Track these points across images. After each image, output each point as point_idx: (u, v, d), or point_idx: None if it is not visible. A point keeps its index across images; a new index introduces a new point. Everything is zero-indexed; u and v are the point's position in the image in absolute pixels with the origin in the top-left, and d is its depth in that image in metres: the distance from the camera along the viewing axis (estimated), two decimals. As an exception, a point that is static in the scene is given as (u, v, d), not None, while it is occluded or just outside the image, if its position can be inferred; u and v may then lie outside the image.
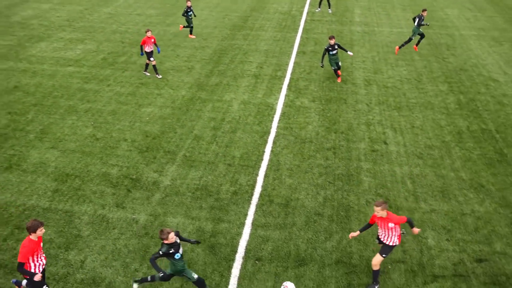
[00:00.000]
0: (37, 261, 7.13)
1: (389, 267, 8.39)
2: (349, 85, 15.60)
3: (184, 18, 19.98)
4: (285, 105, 14.28)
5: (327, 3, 23.90)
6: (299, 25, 21.85)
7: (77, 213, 9.67)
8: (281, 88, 15.41)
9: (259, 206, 9.90)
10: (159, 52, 16.39)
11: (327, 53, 15.13)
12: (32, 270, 7.04)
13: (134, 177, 10.82)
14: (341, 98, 14.70)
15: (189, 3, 19.48)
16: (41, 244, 7.21)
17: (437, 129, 12.95)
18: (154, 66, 15.95)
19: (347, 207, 9.87)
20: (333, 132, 12.78)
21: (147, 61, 15.97)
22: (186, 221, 9.45)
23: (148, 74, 16.28)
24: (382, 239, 7.86)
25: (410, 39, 17.91)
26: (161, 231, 7.04)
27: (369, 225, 8.00)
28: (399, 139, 12.45)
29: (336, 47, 14.98)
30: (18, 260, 6.83)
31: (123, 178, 10.78)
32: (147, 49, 15.62)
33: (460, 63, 17.42)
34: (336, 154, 11.77)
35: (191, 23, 19.92)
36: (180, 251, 7.24)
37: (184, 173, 10.96)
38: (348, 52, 15.49)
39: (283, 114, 13.73)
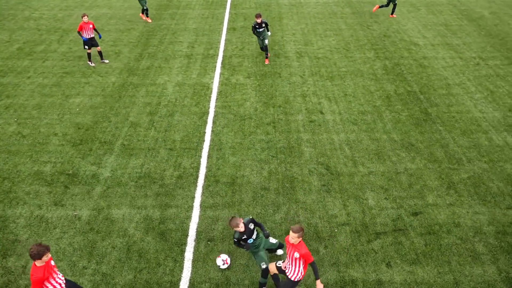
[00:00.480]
0: (56, 282, 6.51)
1: (336, 230, 8.84)
2: (282, 59, 15.79)
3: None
4: (221, 83, 14.18)
5: None
6: (226, 1, 21.55)
7: (11, 217, 9.05)
8: (215, 66, 15.25)
9: (205, 187, 9.89)
10: (100, 37, 15.36)
11: (255, 30, 15.02)
12: None
13: (70, 172, 10.29)
14: (276, 72, 14.87)
15: None
16: (51, 262, 6.47)
17: (368, 95, 13.59)
18: (89, 54, 14.88)
19: (291, 179, 10.16)
20: (271, 106, 12.96)
21: (88, 50, 14.78)
22: (132, 211, 9.22)
23: (93, 64, 15.15)
24: (285, 269, 6.92)
25: (388, 4, 19.02)
26: (230, 220, 7.08)
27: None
28: (334, 107, 12.92)
29: (263, 25, 14.84)
30: None
31: (58, 174, 10.21)
32: (85, 35, 14.50)
33: (383, 30, 18.25)
34: (276, 128, 11.99)
35: (145, 5, 18.56)
36: (254, 236, 7.39)
37: (124, 163, 10.61)
38: (268, 33, 15.25)
39: (219, 92, 13.65)
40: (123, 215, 9.12)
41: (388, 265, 8.14)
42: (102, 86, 13.93)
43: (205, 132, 11.77)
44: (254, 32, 15.08)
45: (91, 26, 14.47)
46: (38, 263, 6.27)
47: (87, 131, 11.77)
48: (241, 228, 7.22)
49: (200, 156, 10.85)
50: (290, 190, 9.82)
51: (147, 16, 18.92)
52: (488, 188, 9.89)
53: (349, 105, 13.06)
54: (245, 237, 7.31)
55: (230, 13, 20.05)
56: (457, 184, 10.01)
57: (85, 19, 14.29)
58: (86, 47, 14.69)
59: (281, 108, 12.86)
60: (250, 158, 10.81)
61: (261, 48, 15.52)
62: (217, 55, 16.07)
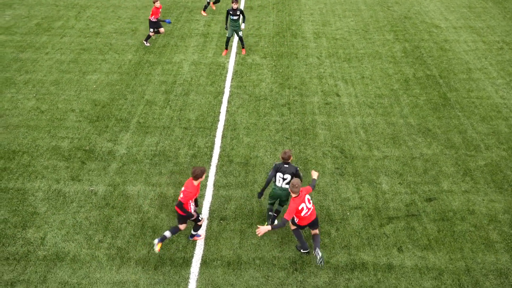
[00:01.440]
0: (194, 205, 7.71)
1: (348, 213, 8.86)
2: (299, 39, 15.59)
3: None
4: (237, 63, 14.10)
5: None
6: (244, -21, 21.21)
7: (30, 190, 9.29)
8: (231, 46, 15.13)
9: (219, 167, 9.97)
10: (169, 22, 14.64)
11: (228, 16, 13.81)
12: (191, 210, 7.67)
13: (87, 148, 10.46)
14: (292, 53, 14.70)
15: None
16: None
17: (386, 78, 13.37)
18: (149, 36, 14.80)
19: (305, 161, 10.15)
20: (286, 87, 12.87)
21: (151, 33, 14.61)
22: (147, 188, 9.37)
23: (148, 44, 15.07)
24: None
25: None
26: (285, 152, 7.89)
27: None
28: (351, 90, 12.77)
29: (238, 13, 13.61)
30: (183, 201, 7.33)
31: (75, 150, 10.39)
32: (153, 19, 14.29)
33: (404, 11, 17.80)
34: (291, 109, 11.93)
35: None
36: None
37: (140, 140, 10.73)
38: (242, 25, 14.09)
39: (235, 72, 13.59)
40: (138, 192, 9.28)
41: (400, 249, 8.16)
42: (119, 64, 13.99)
43: (219, 112, 11.78)
44: (226, 20, 13.95)
45: (160, 10, 14.44)
46: (196, 182, 7.41)
47: (104, 108, 11.89)
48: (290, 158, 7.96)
49: (215, 136, 10.90)
50: (303, 172, 9.83)
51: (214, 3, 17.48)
52: (506, 176, 9.74)
53: (366, 88, 12.88)
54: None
55: (247, -9, 19.76)
56: (474, 171, 9.88)
57: (157, 4, 14.18)
58: (152, 30, 14.54)
59: (297, 90, 12.77)
60: (264, 139, 10.81)
61: (228, 39, 14.27)
62: (234, 34, 15.92)
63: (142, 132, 11.01)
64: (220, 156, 10.27)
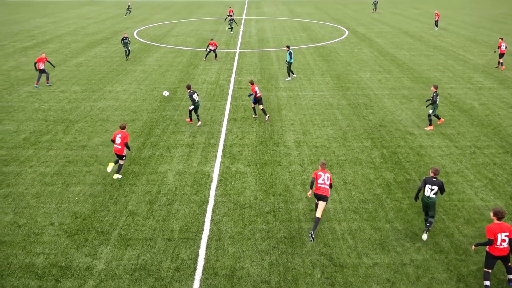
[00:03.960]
0: None
1: (342, 329, 8.20)
2: (282, 148, 16.07)
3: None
4: (221, 172, 14.25)
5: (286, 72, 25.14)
6: (227, 94, 22.58)
7: (-5, 314, 8.46)
8: (215, 155, 15.46)
9: (203, 280, 9.40)
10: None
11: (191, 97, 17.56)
12: None
13: (63, 264, 9.86)
14: (275, 161, 15.03)
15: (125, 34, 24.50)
16: None
17: (368, 183, 13.57)
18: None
19: (293, 271, 9.70)
20: (271, 195, 12.87)
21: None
22: (125, 307, 8.65)
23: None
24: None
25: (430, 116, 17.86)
26: (436, 169, 10.47)
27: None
28: (335, 196, 12.82)
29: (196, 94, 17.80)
30: None
31: (50, 267, 9.77)
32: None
33: (379, 120, 18.84)
34: (276, 217, 11.77)
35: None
36: None
37: (120, 254, 10.22)
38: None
39: (220, 181, 13.65)
40: (115, 312, 8.54)
41: None
42: (103, 175, 13.97)
43: (204, 221, 11.52)
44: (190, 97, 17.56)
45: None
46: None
47: (84, 221, 11.53)
48: None
49: (199, 247, 10.49)
50: (292, 283, 9.33)
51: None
52: (500, 282, 9.40)
53: (350, 193, 12.98)
54: None
55: (231, 104, 20.88)
56: (467, 277, 9.53)
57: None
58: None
59: (281, 197, 12.76)
60: (250, 248, 10.44)
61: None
62: (218, 144, 16.39)
63: (123, 245, 10.54)
64: (204, 269, 9.75)
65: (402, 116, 19.38)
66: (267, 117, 18.55)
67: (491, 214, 8.90)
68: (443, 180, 13.57)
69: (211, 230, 11.17)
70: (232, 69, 27.71)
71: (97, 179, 13.70)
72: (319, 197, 10.86)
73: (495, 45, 34.89)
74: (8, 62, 29.78)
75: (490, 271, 8.93)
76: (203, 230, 11.14)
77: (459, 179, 13.77)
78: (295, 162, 14.97)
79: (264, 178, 13.86)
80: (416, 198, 10.87)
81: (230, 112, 19.87)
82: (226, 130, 17.77)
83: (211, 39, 30.43)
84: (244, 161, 15.04)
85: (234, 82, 24.78)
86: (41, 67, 23.24)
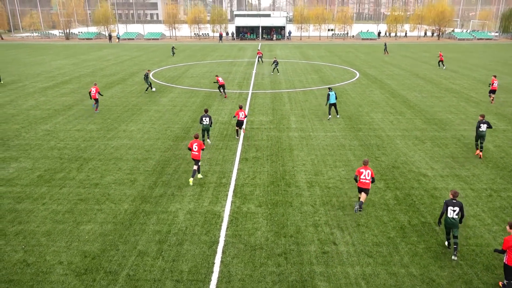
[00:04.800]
0: None
1: None
2: (293, 188, 15.94)
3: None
4: (232, 212, 14.11)
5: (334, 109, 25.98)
6: (239, 133, 22.72)
7: None
8: (227, 195, 15.37)
9: (211, 325, 9.09)
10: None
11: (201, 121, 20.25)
12: None
13: (69, 305, 9.66)
14: (287, 201, 14.86)
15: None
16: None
17: (381, 225, 13.26)
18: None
19: (305, 317, 9.33)
20: (282, 236, 12.63)
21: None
22: None
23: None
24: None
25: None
26: (455, 191, 11.48)
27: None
28: (347, 238, 12.53)
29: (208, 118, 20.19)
30: None
31: (56, 308, 9.57)
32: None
33: (391, 161, 18.68)
34: (288, 259, 11.48)
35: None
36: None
37: (128, 295, 10.00)
38: (208, 140, 18.73)
39: (230, 221, 13.49)
40: None
41: None
42: (114, 213, 13.94)
43: (214, 263, 11.29)
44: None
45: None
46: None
47: (93, 260, 11.39)
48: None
49: (208, 290, 10.22)
50: (303, 330, 8.94)
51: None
52: (524, 333, 8.88)
53: (363, 235, 12.67)
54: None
55: (242, 144, 20.99)
56: (488, 327, 9.04)
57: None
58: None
59: (293, 238, 12.51)
60: (261, 292, 10.12)
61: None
62: (230, 184, 16.34)
63: (131, 286, 10.33)
64: (213, 313, 9.45)
65: (415, 157, 19.20)
66: (243, 129, 22.13)
67: (508, 227, 9.98)
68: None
69: (220, 272, 10.92)
70: (244, 109, 28.06)
71: (108, 218, 13.67)
72: (362, 190, 13.62)
73: (507, 88, 34.93)
74: (28, 102, 30.71)
75: None
76: (212, 272, 10.89)
77: (476, 223, 13.38)
78: (306, 203, 14.78)
79: (276, 218, 13.67)
80: (439, 223, 11.83)
81: (242, 151, 19.94)
82: (238, 169, 17.77)
83: (216, 75, 32.56)
84: (255, 201, 14.91)
85: (247, 122, 25.02)
86: (96, 96, 27.05)
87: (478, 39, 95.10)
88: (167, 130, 23.45)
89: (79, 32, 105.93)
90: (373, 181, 13.52)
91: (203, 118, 20.04)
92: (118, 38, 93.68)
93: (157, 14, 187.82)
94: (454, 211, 11.38)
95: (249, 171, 17.59)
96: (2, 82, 38.53)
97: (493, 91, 29.38)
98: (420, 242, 12.32)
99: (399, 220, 13.57)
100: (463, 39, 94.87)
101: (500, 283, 10.31)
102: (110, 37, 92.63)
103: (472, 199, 15.01)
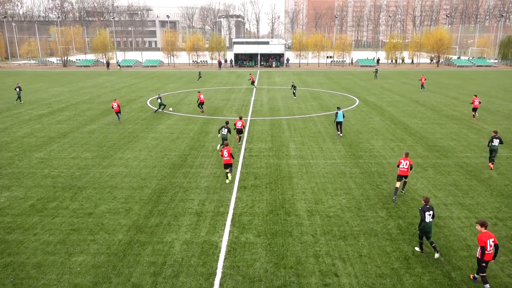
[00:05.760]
0: None
1: None
2: (293, 217, 15.77)
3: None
4: (230, 242, 13.90)
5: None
6: (238, 161, 22.71)
7: None
8: (224, 224, 15.19)
9: None
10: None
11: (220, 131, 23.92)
12: None
13: None
14: (286, 231, 14.67)
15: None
16: None
17: (384, 256, 13.05)
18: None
19: None
20: (282, 267, 12.39)
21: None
22: None
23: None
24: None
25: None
26: (427, 197, 13.07)
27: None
28: (349, 269, 12.30)
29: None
30: None
31: None
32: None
33: (394, 189, 18.56)
34: (288, 292, 11.22)
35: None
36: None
37: (120, 331, 9.70)
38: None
39: (228, 252, 13.27)
40: None
41: None
42: (108, 244, 13.72)
43: (211, 296, 11.03)
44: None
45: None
46: None
47: (85, 294, 11.12)
48: None
49: (204, 325, 9.93)
50: None
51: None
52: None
53: (365, 267, 12.44)
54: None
55: (241, 172, 20.92)
56: None
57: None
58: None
59: (293, 270, 12.27)
60: (260, 327, 9.84)
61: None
62: (227, 212, 16.17)
63: (124, 321, 10.04)
64: None
65: (418, 185, 19.11)
66: (239, 137, 25.97)
67: (479, 226, 11.32)
68: (465, 254, 13.02)
69: (218, 306, 10.64)
70: (243, 137, 28.14)
71: (101, 249, 13.44)
72: (401, 177, 17.23)
73: (509, 115, 35.24)
74: (23, 129, 30.79)
75: (485, 274, 11.09)
76: (209, 306, 10.62)
77: (482, 253, 13.16)
78: (307, 232, 14.59)
79: (275, 249, 13.46)
80: (420, 227, 13.08)
81: (240, 179, 19.85)
82: (236, 198, 17.63)
83: (198, 91, 39.38)
84: (254, 231, 14.72)
85: (245, 149, 25.04)
86: (118, 109, 33.02)
87: (477, 66, 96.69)
88: (164, 157, 23.42)
89: (76, 60, 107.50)
90: (411, 168, 17.02)
91: (223, 128, 23.73)
92: (119, 65, 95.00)
93: (155, 41, 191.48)
94: (430, 215, 12.85)
95: (247, 200, 17.45)
96: (22, 102, 43.24)
97: (474, 109, 34.08)
98: (425, 273, 12.10)
99: (403, 250, 13.37)
100: (462, 66, 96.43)
101: (471, 276, 11.75)
102: (108, 64, 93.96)
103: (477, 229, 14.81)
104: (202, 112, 36.97)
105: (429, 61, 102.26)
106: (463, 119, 33.81)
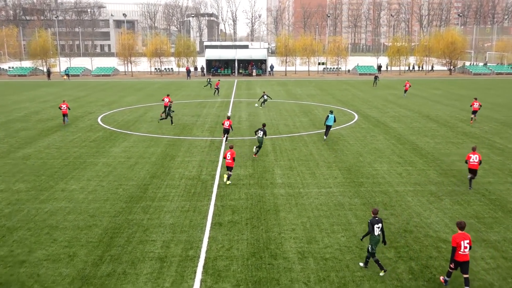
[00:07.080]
0: None
1: None
2: (280, 261, 15.56)
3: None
4: (202, 294, 13.57)
5: None
6: (211, 191, 22.50)
7: None
8: (195, 271, 14.88)
9: None
10: None
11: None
12: None
13: None
14: (273, 278, 14.45)
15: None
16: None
17: (395, 308, 12.91)
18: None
19: None
20: (267, 326, 12.11)
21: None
22: None
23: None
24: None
25: None
26: (375, 209, 14.76)
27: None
28: (352, 326, 12.09)
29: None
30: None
31: None
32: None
33: (403, 224, 18.60)
34: None
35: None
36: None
37: None
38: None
39: (199, 307, 12.92)
40: None
41: None
42: (45, 301, 13.20)
43: None
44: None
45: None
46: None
47: None
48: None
49: None
50: None
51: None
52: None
53: (372, 322, 12.25)
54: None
55: (215, 205, 20.69)
56: None
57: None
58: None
59: (282, 329, 11.98)
60: None
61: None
62: (198, 256, 15.88)
63: None
64: None
65: (432, 218, 19.20)
66: (225, 137, 31.68)
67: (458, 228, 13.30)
68: (492, 302, 12.99)
69: None
70: (217, 161, 28.00)
71: (36, 307, 12.91)
72: (472, 171, 22.21)
73: (536, 131, 36.18)
74: None
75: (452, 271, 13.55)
76: None
77: (513, 301, 13.17)
78: (298, 279, 14.39)
79: (258, 302, 13.18)
80: (362, 239, 15.55)
81: (214, 215, 19.59)
82: (209, 238, 17.35)
83: (168, 95, 43.54)
84: (232, 279, 14.43)
85: (220, 177, 24.86)
86: (66, 111, 39.58)
87: (496, 73, 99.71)
88: (119, 188, 23.02)
89: (9, 68, 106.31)
90: (480, 163, 21.87)
91: (259, 131, 28.61)
92: (67, 74, 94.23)
93: (109, 45, 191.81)
94: (378, 228, 14.49)
95: (223, 240, 17.19)
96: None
97: (474, 112, 39.93)
98: (445, 329, 11.98)
99: (417, 300, 13.26)
100: (479, 74, 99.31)
101: (441, 278, 13.85)
102: (49, 73, 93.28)
103: (505, 271, 14.88)
104: (161, 118, 40.28)
105: (446, 68, 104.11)
106: (483, 137, 34.49)
